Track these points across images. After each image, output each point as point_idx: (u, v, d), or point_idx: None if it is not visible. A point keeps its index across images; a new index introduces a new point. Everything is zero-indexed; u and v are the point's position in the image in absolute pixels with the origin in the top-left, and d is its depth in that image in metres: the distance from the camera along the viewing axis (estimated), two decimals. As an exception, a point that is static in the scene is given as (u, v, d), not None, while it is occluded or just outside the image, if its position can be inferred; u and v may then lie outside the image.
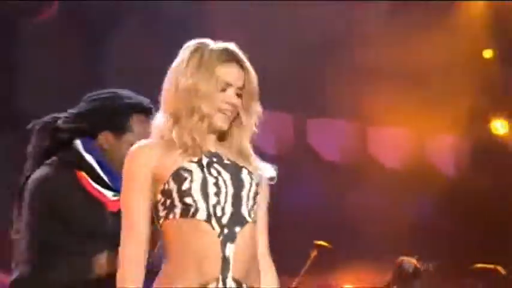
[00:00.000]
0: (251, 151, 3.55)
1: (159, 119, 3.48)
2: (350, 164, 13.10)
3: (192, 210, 3.30)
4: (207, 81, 3.40)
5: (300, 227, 11.93)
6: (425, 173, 12.05)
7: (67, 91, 10.77)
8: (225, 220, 3.32)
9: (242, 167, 3.45)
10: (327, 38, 12.21)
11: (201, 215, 3.30)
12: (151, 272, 3.41)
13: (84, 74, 11.92)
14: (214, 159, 3.41)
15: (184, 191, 3.31)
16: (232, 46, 3.52)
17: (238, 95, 3.44)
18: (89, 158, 4.07)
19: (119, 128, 4.13)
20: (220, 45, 3.51)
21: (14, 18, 12.39)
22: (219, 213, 3.33)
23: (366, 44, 11.63)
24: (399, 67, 11.41)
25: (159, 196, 3.36)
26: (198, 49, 3.49)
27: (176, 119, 3.41)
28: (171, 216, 3.34)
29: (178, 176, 3.33)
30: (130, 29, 12.37)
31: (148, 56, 11.80)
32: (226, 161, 3.44)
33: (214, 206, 3.33)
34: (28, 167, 4.23)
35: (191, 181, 3.32)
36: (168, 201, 3.34)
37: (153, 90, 4.33)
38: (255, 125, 3.53)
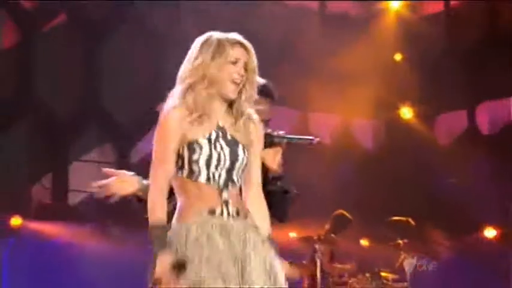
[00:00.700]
0: (253, 115, 3.66)
1: (177, 89, 3.59)
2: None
3: (196, 174, 3.51)
4: (221, 55, 3.52)
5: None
6: (349, 147, 12.73)
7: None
8: (220, 182, 3.54)
9: (239, 142, 3.59)
10: (281, 42, 12.63)
11: (202, 178, 3.50)
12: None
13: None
14: (220, 134, 3.55)
15: (193, 160, 3.50)
16: (237, 35, 3.65)
17: (245, 69, 3.57)
18: None
19: None
20: (228, 34, 3.64)
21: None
22: (216, 177, 3.52)
23: (307, 51, 12.06)
24: (333, 68, 11.78)
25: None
26: (210, 37, 3.61)
27: (191, 89, 3.53)
28: (179, 174, 3.54)
29: (191, 148, 3.50)
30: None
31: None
32: (228, 137, 3.58)
33: (213, 173, 3.51)
34: None
35: (200, 154, 3.49)
36: (180, 162, 3.53)
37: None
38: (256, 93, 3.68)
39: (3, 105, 11.48)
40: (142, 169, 12.58)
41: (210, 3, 12.84)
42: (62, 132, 12.03)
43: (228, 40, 3.56)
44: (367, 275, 9.28)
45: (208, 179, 3.48)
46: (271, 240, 3.57)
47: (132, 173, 4.14)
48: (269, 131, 3.88)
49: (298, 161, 12.86)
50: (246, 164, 3.58)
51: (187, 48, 11.33)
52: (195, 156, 3.47)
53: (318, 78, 11.66)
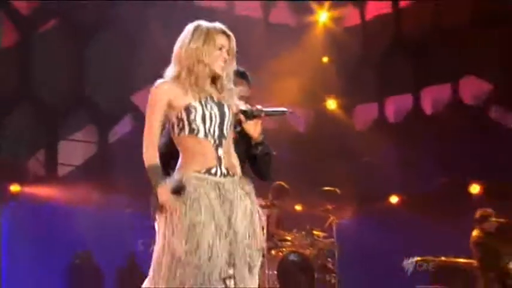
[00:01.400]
0: (232, 87, 3.68)
1: (171, 69, 3.63)
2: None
3: (195, 131, 3.53)
4: (209, 45, 3.56)
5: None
6: (287, 130, 12.48)
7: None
8: (215, 136, 3.56)
9: (224, 104, 3.64)
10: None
11: (201, 134, 3.54)
12: None
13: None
14: (209, 99, 3.59)
15: (192, 119, 3.54)
16: (221, 25, 3.69)
17: (227, 53, 3.61)
18: None
19: None
20: (214, 24, 3.67)
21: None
22: (211, 133, 3.55)
23: (254, 54, 11.42)
24: (275, 67, 11.91)
25: (175, 120, 3.58)
26: (199, 26, 3.63)
27: (187, 68, 3.56)
28: (182, 134, 3.56)
29: (187, 110, 3.54)
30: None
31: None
32: (216, 100, 3.61)
33: (209, 129, 3.55)
34: None
35: (195, 114, 3.53)
36: (181, 124, 3.55)
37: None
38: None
39: (5, 95, 11.44)
40: (119, 146, 12.74)
41: (172, 12, 12.44)
42: (53, 116, 11.99)
43: (215, 29, 3.62)
44: (303, 233, 9.26)
45: (205, 134, 3.53)
46: (251, 193, 3.59)
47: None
48: (249, 106, 3.87)
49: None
50: (231, 120, 3.64)
51: (153, 47, 11.08)
52: (191, 116, 3.52)
53: (263, 76, 11.09)
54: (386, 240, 11.74)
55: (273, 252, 8.58)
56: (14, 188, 11.03)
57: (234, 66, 3.66)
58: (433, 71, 13.51)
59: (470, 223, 9.29)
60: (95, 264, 11.42)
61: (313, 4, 14.27)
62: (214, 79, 3.59)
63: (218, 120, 3.55)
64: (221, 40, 3.59)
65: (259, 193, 3.80)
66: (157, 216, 3.48)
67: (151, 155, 3.51)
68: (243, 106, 3.76)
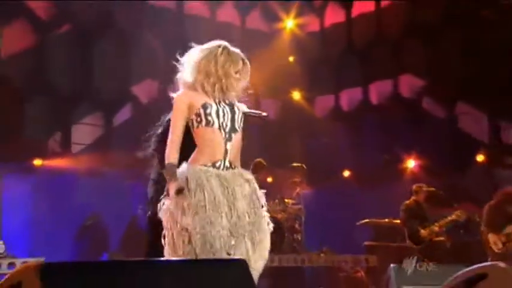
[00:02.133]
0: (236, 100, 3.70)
1: (191, 74, 3.61)
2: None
3: (211, 123, 3.53)
4: (230, 66, 3.59)
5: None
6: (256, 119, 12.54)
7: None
8: (227, 129, 3.54)
9: (234, 104, 3.65)
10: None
11: (216, 125, 3.53)
12: None
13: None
14: (222, 100, 3.59)
15: (207, 113, 3.54)
16: (240, 52, 3.72)
17: (240, 74, 3.63)
18: None
19: None
20: (237, 50, 3.70)
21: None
22: (224, 126, 3.52)
23: None
24: (251, 66, 11.60)
25: (194, 116, 3.57)
26: (226, 48, 3.66)
27: (210, 79, 3.56)
28: (200, 126, 3.55)
29: (204, 106, 3.54)
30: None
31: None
32: (227, 102, 3.62)
33: (222, 122, 3.53)
34: None
35: (211, 109, 3.53)
36: (199, 118, 3.54)
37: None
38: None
39: (27, 86, 11.42)
40: (120, 129, 12.77)
41: (163, 18, 12.77)
42: (67, 104, 11.97)
43: (238, 56, 3.67)
44: (276, 201, 9.41)
45: (219, 126, 3.53)
46: (251, 180, 3.61)
47: None
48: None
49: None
50: (241, 117, 3.63)
51: (147, 47, 10.64)
52: (207, 111, 3.54)
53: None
54: (340, 205, 11.96)
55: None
56: (37, 162, 11.12)
57: (244, 86, 3.68)
58: (378, 69, 13.62)
59: (406, 191, 9.53)
60: (102, 225, 11.40)
61: (281, 13, 14.47)
62: (226, 92, 3.61)
63: (230, 116, 3.56)
64: (240, 66, 3.64)
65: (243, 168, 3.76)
66: (168, 202, 3.48)
67: (171, 153, 3.51)
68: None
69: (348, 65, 14.20)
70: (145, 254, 4.45)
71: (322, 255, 9.82)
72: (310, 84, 14.28)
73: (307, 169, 10.24)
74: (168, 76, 12.93)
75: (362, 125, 13.64)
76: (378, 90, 13.78)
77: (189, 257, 3.33)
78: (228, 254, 3.37)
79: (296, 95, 14.15)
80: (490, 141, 11.82)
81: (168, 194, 3.44)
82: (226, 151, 3.52)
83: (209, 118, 3.52)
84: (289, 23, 14.52)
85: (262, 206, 3.66)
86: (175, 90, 3.80)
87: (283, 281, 8.97)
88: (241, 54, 3.67)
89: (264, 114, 3.99)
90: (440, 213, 9.11)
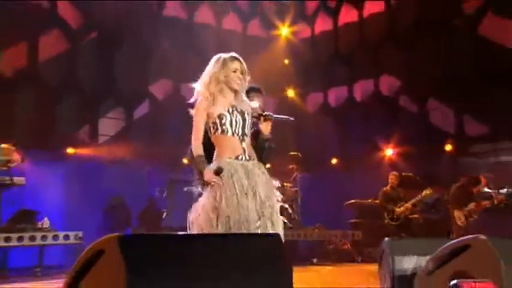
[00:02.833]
0: (246, 99, 3.60)
1: (202, 89, 3.51)
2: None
3: (226, 131, 3.46)
4: (227, 70, 3.49)
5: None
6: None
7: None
8: (239, 134, 3.49)
9: (245, 111, 3.52)
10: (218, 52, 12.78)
11: (229, 133, 3.47)
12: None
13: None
14: (234, 108, 3.49)
15: (222, 123, 3.47)
16: (235, 54, 3.58)
17: (241, 73, 3.52)
18: None
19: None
20: (230, 54, 3.57)
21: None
22: (237, 132, 3.48)
23: None
24: (250, 68, 11.07)
25: (211, 124, 3.50)
26: (220, 57, 3.57)
27: (214, 88, 3.48)
28: (216, 133, 3.49)
29: (220, 117, 3.47)
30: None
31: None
32: (238, 109, 3.51)
33: (235, 130, 3.47)
34: None
35: (225, 120, 3.47)
36: (215, 126, 3.48)
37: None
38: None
39: (60, 87, 11.37)
40: (139, 122, 12.80)
41: (175, 27, 12.77)
42: (94, 101, 12.02)
43: (230, 57, 3.55)
44: None
45: (232, 133, 3.48)
46: (265, 172, 3.55)
47: None
48: (263, 112, 3.72)
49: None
50: (250, 123, 3.55)
51: (161, 52, 10.98)
52: (223, 121, 3.47)
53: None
54: (330, 188, 11.98)
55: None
56: (70, 150, 11.19)
57: (247, 82, 3.59)
58: (361, 71, 13.55)
59: (386, 175, 9.64)
60: (125, 205, 11.37)
61: (277, 22, 14.62)
62: (236, 93, 3.53)
63: (241, 124, 3.50)
64: (235, 65, 3.54)
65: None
66: (202, 189, 3.46)
67: (197, 147, 3.46)
68: (260, 111, 3.70)
69: (335, 67, 14.15)
70: None
71: (316, 230, 9.99)
72: (302, 83, 14.29)
73: (302, 157, 10.30)
74: (179, 76, 12.61)
75: (347, 119, 13.57)
76: (361, 89, 13.69)
77: None
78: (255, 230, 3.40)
79: (290, 93, 14.20)
80: (455, 133, 11.68)
81: (202, 179, 3.41)
82: (243, 148, 3.50)
83: (224, 128, 3.48)
84: (284, 31, 14.62)
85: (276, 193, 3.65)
86: (186, 89, 3.61)
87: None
88: (236, 55, 3.59)
89: (291, 118, 3.87)
90: (415, 194, 9.15)
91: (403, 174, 9.48)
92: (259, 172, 3.48)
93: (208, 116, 3.48)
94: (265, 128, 3.72)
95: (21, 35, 10.88)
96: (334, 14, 14.35)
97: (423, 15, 12.16)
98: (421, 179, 10.00)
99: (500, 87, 10.81)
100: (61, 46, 11.47)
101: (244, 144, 3.49)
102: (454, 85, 11.57)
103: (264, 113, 3.70)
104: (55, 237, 7.74)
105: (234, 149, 3.46)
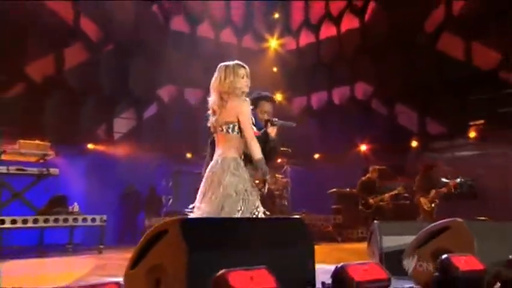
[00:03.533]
0: (247, 99, 3.54)
1: (214, 97, 3.49)
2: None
3: (240, 135, 3.45)
4: (238, 76, 3.49)
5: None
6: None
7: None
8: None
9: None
10: (217, 62, 12.42)
11: (242, 136, 3.44)
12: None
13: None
14: None
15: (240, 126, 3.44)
16: (240, 62, 3.59)
17: (247, 77, 3.51)
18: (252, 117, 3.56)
19: (256, 106, 3.80)
20: (236, 61, 3.57)
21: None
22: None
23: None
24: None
25: (236, 123, 3.47)
26: (229, 65, 3.55)
27: (226, 93, 3.45)
28: (234, 132, 3.48)
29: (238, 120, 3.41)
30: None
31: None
32: None
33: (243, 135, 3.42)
34: None
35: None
36: (237, 128, 3.46)
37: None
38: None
39: (79, 91, 11.30)
40: (149, 122, 12.85)
41: (181, 38, 12.71)
42: (110, 103, 11.92)
43: (238, 65, 3.56)
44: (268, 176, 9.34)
45: (242, 136, 3.48)
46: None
47: None
48: (271, 118, 3.73)
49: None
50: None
51: (168, 60, 10.89)
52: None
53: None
54: (315, 179, 11.99)
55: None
56: (90, 146, 11.16)
57: (249, 85, 3.56)
58: (339, 78, 13.49)
59: (360, 168, 9.84)
60: (137, 193, 11.35)
61: (267, 36, 14.67)
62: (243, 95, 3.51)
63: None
64: (242, 72, 3.56)
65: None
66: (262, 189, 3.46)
67: (259, 149, 3.42)
68: (267, 117, 3.80)
69: (317, 74, 14.09)
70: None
71: (302, 215, 9.97)
72: (288, 88, 14.27)
73: (291, 152, 10.13)
74: (183, 82, 12.58)
75: (328, 120, 13.53)
76: (339, 94, 13.63)
77: None
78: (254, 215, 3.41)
79: (278, 97, 14.05)
80: (419, 132, 11.65)
81: (265, 179, 3.37)
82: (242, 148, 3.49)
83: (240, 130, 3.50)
84: (273, 43, 14.76)
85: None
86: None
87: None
88: (242, 63, 3.60)
89: (294, 124, 3.88)
90: (388, 184, 9.28)
91: (378, 167, 9.49)
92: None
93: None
94: (272, 132, 3.80)
95: (49, 47, 10.96)
96: (316, 29, 14.42)
97: (392, 32, 12.23)
98: (391, 171, 10.07)
99: (455, 93, 10.95)
100: (83, 56, 11.48)
101: (243, 145, 3.47)
102: (418, 91, 11.70)
103: (270, 120, 3.77)
104: (84, 219, 7.90)
105: (240, 148, 3.48)
